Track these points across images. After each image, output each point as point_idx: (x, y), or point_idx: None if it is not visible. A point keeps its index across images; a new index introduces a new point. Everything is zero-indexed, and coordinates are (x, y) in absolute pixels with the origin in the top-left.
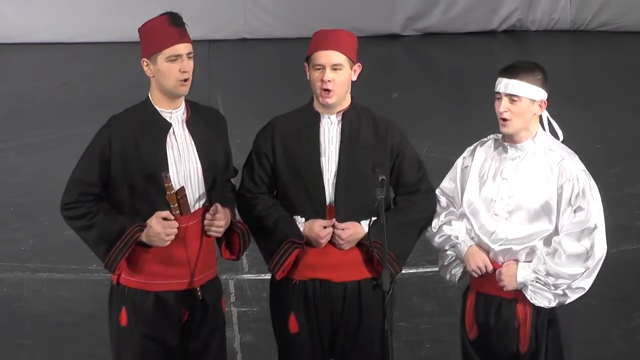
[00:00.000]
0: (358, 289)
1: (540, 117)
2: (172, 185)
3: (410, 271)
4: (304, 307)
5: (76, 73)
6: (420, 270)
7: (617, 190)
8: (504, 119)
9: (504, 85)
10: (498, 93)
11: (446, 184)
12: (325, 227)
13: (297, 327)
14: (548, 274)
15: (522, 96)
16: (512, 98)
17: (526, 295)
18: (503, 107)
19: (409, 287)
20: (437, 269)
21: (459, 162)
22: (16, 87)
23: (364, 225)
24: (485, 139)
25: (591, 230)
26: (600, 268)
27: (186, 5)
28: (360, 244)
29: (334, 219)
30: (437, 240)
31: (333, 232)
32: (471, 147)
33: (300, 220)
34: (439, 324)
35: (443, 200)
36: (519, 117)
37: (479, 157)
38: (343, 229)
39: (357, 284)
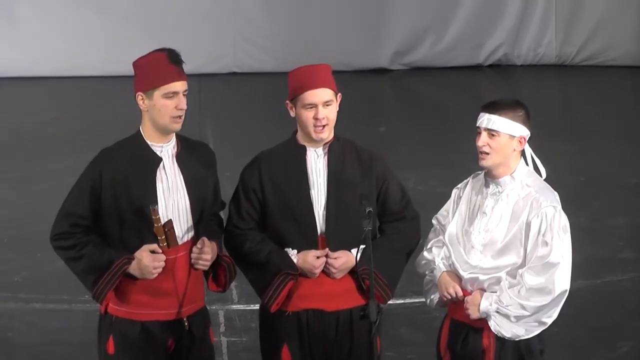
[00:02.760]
0: (350, 317)
1: (524, 153)
2: (159, 217)
3: (397, 302)
4: (298, 338)
5: (67, 107)
6: (407, 300)
7: (601, 222)
8: (483, 153)
9: (484, 120)
10: (478, 127)
11: (442, 212)
12: (318, 257)
13: (290, 357)
14: (508, 305)
15: (501, 131)
16: (491, 133)
17: (489, 325)
18: (482, 141)
19: (395, 317)
20: (423, 299)
21: (454, 193)
22: (7, 120)
23: (355, 253)
24: (479, 172)
25: (552, 266)
26: (585, 299)
27: (177, 39)
28: (351, 272)
29: (327, 249)
30: (421, 264)
31: (326, 262)
32: (466, 180)
33: (292, 253)
34: (425, 353)
35: (437, 228)
36: (498, 152)
37: (469, 190)
38: (335, 258)
39: (349, 312)
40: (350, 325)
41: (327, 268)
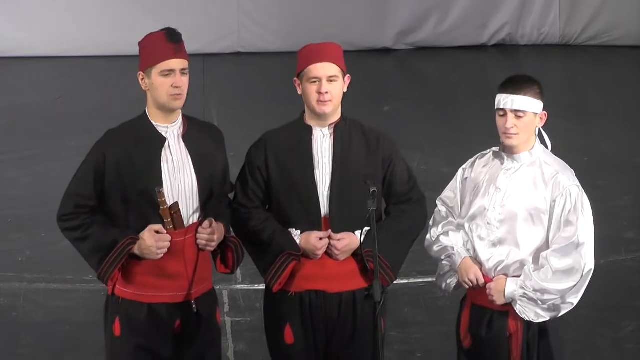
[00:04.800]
0: (353, 298)
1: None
2: (165, 200)
3: (402, 282)
4: (300, 318)
5: (72, 86)
6: (412, 280)
7: (605, 203)
8: (512, 134)
9: (509, 101)
10: (502, 110)
11: (447, 194)
12: (321, 239)
13: (293, 338)
14: (535, 290)
15: (527, 111)
16: (517, 114)
17: (515, 310)
18: (510, 123)
19: (400, 297)
20: (428, 279)
21: (459, 173)
22: (12, 100)
23: (359, 235)
24: (485, 152)
25: (577, 246)
26: (590, 279)
27: (181, 19)
28: (355, 254)
29: (329, 230)
30: (435, 249)
31: (329, 243)
32: (471, 159)
33: (295, 233)
34: (429, 333)
35: (443, 210)
36: (525, 131)
37: (477, 169)
38: (339, 240)
39: (352, 293)
40: (354, 307)
41: (330, 249)
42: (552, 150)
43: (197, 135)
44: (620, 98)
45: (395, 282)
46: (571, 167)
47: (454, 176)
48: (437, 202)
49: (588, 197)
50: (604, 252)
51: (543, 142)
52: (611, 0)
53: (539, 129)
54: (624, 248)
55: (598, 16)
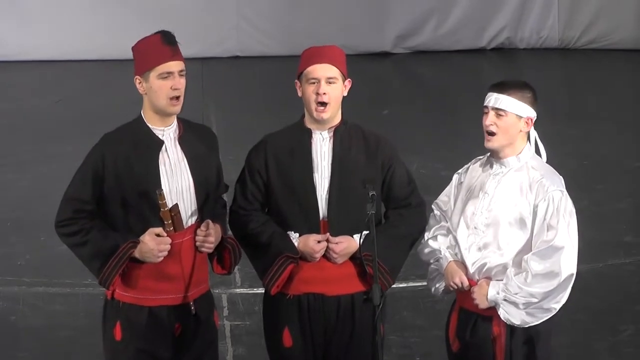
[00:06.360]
0: (351, 302)
1: (529, 135)
2: (166, 202)
3: (400, 285)
4: (298, 321)
5: (71, 90)
6: (410, 284)
7: (605, 206)
8: (490, 133)
9: (492, 99)
10: (486, 107)
11: (442, 198)
12: (319, 242)
13: (291, 341)
14: (515, 293)
15: (509, 111)
16: (498, 112)
17: (498, 313)
18: (489, 120)
19: (398, 301)
20: (426, 283)
21: (454, 178)
22: (12, 104)
23: (357, 239)
24: (480, 157)
25: (557, 250)
26: (588, 282)
27: (180, 23)
28: (353, 258)
29: (327, 234)
30: (425, 253)
31: (327, 246)
32: (467, 165)
33: (294, 236)
34: (428, 337)
35: (437, 214)
36: (504, 132)
37: (471, 174)
38: (337, 243)
39: (350, 297)
40: (352, 311)
41: (328, 252)
42: (550, 155)
43: (191, 138)
44: (619, 102)
45: (393, 285)
46: (570, 171)
47: (451, 180)
48: (432, 206)
49: (587, 200)
50: (603, 255)
51: (538, 152)
52: (609, 4)
53: (536, 138)
54: (623, 252)
55: (597, 20)
